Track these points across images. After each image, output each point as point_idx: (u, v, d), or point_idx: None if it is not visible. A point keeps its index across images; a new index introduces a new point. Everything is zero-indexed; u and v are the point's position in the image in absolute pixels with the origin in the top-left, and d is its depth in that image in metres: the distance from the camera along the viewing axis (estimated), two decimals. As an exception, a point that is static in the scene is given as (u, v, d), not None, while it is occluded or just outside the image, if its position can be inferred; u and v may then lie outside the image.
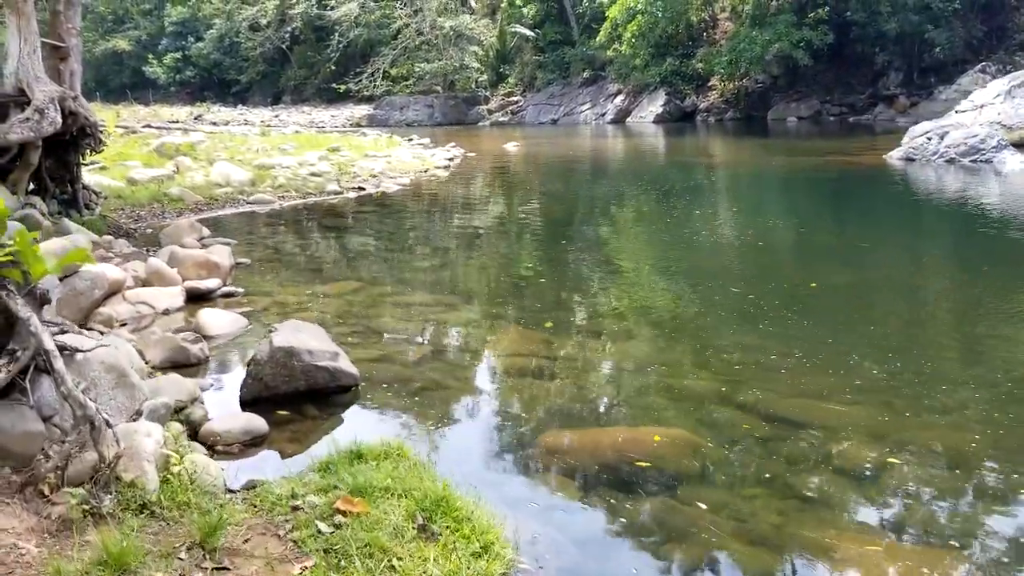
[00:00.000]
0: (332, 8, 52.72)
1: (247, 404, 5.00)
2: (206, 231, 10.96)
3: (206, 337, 6.39)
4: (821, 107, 36.60)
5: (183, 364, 5.66)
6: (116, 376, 3.56)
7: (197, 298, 7.68)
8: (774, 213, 11.92)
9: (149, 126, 32.60)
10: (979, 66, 29.80)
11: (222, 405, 4.96)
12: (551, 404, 5.05)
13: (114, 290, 7.24)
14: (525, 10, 48.42)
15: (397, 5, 51.22)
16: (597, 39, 40.53)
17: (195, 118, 49.21)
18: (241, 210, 13.87)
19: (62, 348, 3.37)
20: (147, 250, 10.17)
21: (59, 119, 9.47)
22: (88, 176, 14.67)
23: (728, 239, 9.77)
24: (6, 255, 3.17)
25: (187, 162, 18.23)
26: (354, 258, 9.79)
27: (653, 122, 39.01)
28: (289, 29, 57.35)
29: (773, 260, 8.84)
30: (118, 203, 13.52)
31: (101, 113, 42.59)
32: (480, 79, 49.87)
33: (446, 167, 20.62)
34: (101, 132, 11.17)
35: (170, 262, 8.82)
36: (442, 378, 5.51)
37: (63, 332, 3.51)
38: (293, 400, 5.00)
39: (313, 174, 17.70)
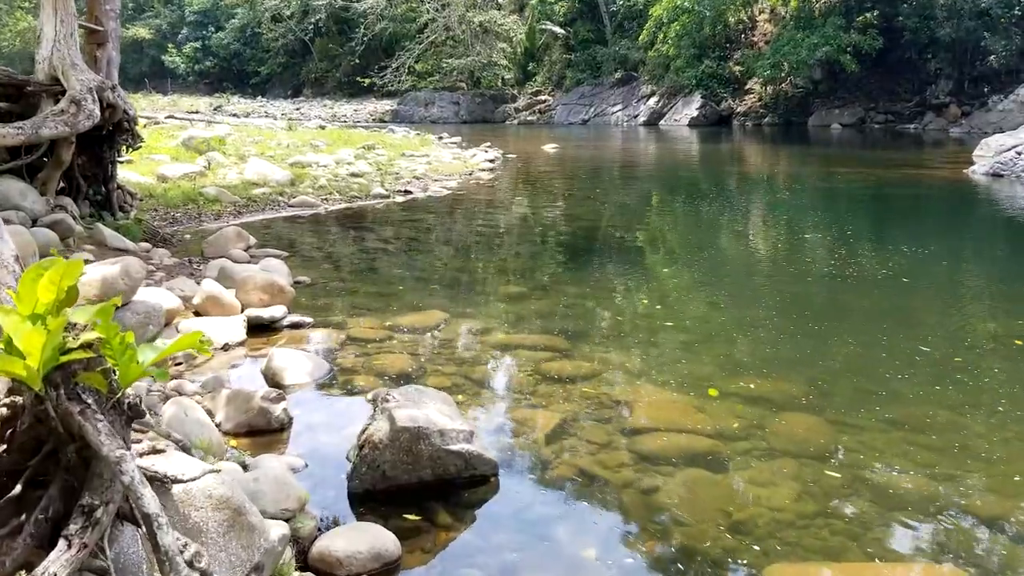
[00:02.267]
0: (358, 0, 51.58)
1: (357, 499, 3.84)
2: (252, 239, 9.83)
3: (281, 386, 5.24)
4: (865, 114, 35.33)
5: (263, 430, 4.51)
6: (229, 515, 2.39)
7: (259, 328, 6.53)
8: (893, 240, 10.44)
9: (172, 117, 31.56)
10: (1039, 76, 28.50)
11: (325, 499, 3.81)
12: (748, 514, 3.87)
13: (167, 321, 6.11)
14: (556, 7, 47.19)
15: (424, -2, 50.13)
16: (640, 37, 39.19)
17: (215, 109, 48.32)
18: (283, 214, 12.73)
19: (152, 478, 2.20)
20: (189, 261, 9.05)
21: (97, 112, 8.34)
22: (121, 174, 13.57)
23: (868, 273, 8.33)
24: (81, 344, 2.00)
25: (218, 158, 17.14)
26: (427, 279, 8.60)
27: (688, 125, 37.79)
28: (312, 21, 56.28)
29: (940, 305, 7.44)
30: (150, 203, 12.40)
31: (121, 102, 41.65)
32: (507, 77, 48.68)
33: (490, 169, 19.46)
34: (138, 126, 10.05)
35: (221, 280, 7.69)
36: (593, 466, 4.32)
37: (155, 451, 2.35)
38: (417, 496, 3.83)
39: (354, 174, 16.58)
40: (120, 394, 2.07)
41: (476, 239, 11.29)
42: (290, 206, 13.19)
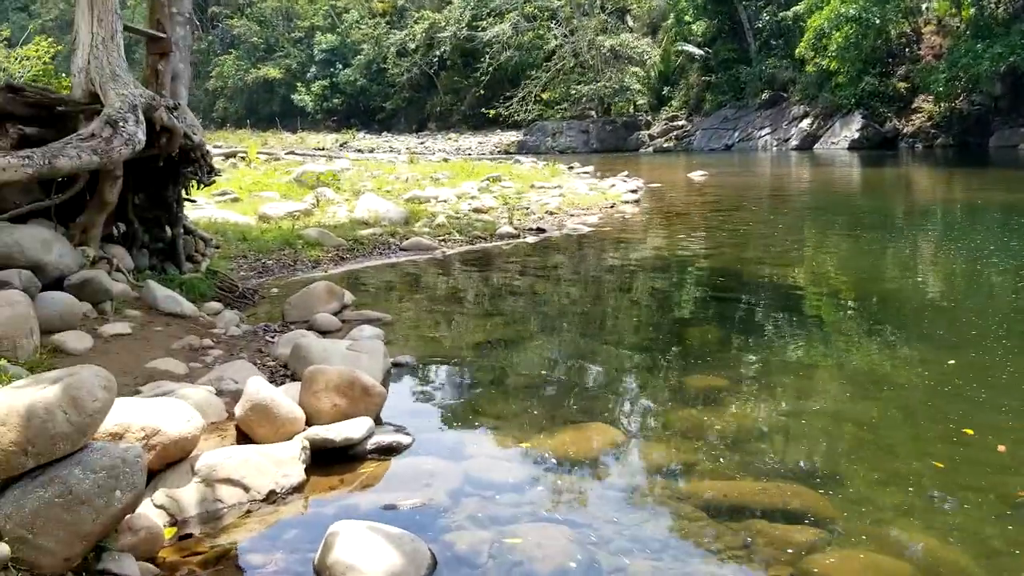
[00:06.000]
0: (483, 30, 50.21)
1: None
2: (348, 296, 7.58)
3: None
4: (1058, 132, 30.73)
5: None
6: None
7: (329, 456, 4.16)
8: None
9: (293, 153, 30.70)
10: None
11: None
12: None
13: (179, 456, 3.80)
14: (694, 27, 44.26)
15: (552, 25, 48.21)
16: (797, 51, 35.47)
17: (340, 145, 47.87)
18: (393, 259, 10.55)
19: None
20: (265, 329, 6.86)
21: (141, 136, 6.25)
22: (205, 212, 11.80)
23: None
24: None
25: (329, 194, 15.34)
26: (578, 361, 6.05)
27: (848, 148, 34.08)
28: (437, 54, 55.39)
29: None
30: (241, 247, 10.47)
31: (247, 141, 41.30)
32: (640, 102, 46.05)
33: (634, 201, 16.86)
34: (211, 158, 8.00)
35: (295, 362, 5.43)
36: None
37: None
38: None
39: (477, 210, 14.35)
40: None
41: (637, 296, 8.67)
42: (402, 249, 11.01)
